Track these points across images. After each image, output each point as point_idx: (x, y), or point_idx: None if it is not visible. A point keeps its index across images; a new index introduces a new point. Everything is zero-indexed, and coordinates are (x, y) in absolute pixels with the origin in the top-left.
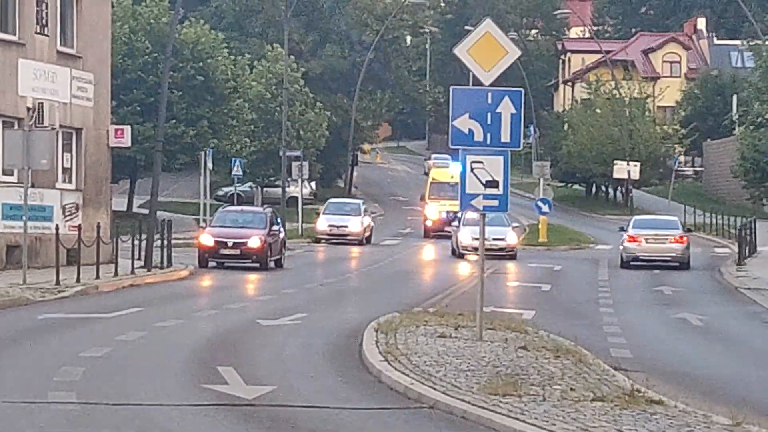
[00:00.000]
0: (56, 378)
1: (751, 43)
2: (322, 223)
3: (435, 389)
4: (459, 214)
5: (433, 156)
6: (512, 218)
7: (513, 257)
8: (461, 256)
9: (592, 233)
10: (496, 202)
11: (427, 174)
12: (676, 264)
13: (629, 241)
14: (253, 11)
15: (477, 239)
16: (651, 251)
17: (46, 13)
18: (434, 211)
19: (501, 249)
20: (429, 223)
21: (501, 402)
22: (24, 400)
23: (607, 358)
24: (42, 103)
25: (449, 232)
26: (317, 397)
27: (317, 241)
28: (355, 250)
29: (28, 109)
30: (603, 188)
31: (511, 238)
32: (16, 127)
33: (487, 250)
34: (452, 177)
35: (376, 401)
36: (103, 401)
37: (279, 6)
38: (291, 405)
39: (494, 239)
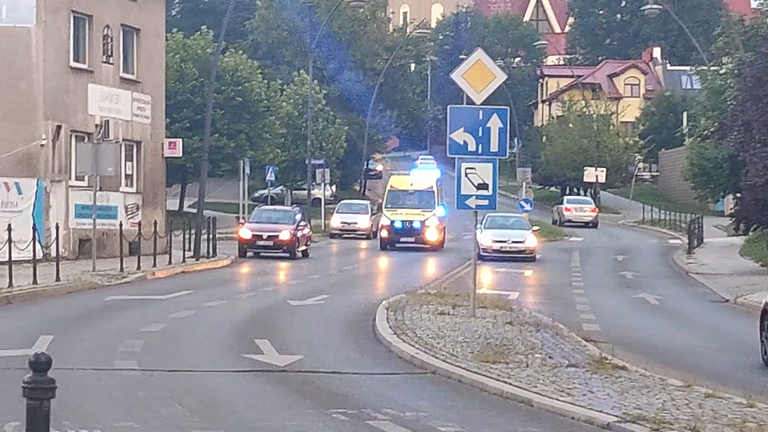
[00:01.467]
0: (120, 349)
1: (698, 69)
2: (336, 221)
3: (436, 358)
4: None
5: (420, 157)
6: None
7: (532, 259)
8: (482, 258)
9: (566, 228)
10: (486, 202)
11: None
12: (591, 224)
13: (565, 210)
14: (284, 43)
15: (497, 241)
16: (577, 216)
17: (111, 46)
18: (390, 220)
19: (520, 251)
20: (384, 234)
21: (491, 368)
22: (94, 367)
23: (580, 331)
24: (108, 121)
25: (406, 243)
26: (338, 364)
27: (332, 236)
28: (365, 243)
29: (97, 125)
30: (575, 190)
31: (531, 240)
32: (86, 140)
33: (506, 252)
34: (411, 185)
35: (387, 368)
36: (160, 368)
37: (305, 39)
38: (316, 371)
39: (513, 242)
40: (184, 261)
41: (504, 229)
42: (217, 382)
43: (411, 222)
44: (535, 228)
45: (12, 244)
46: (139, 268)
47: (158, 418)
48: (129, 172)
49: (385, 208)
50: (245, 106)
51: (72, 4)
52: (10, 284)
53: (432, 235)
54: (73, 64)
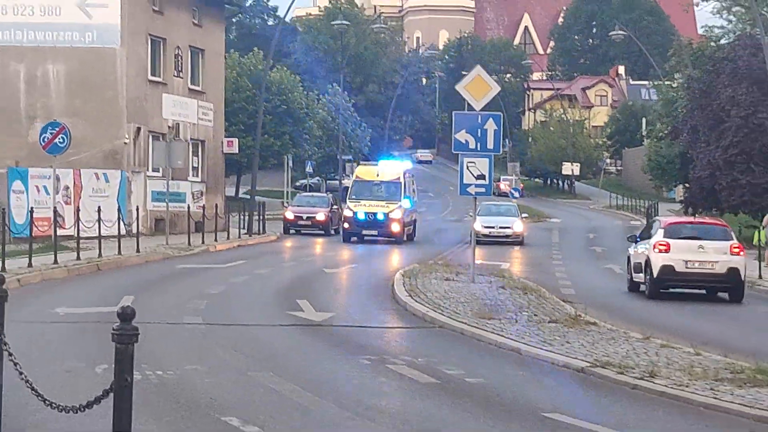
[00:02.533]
0: (188, 306)
1: (655, 83)
2: None
3: (443, 315)
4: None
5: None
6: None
7: (520, 243)
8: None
9: (547, 211)
10: (483, 189)
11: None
12: (517, 196)
13: (498, 186)
14: (320, 62)
15: (486, 227)
16: (504, 191)
17: (182, 63)
18: (353, 212)
19: (507, 236)
20: (346, 225)
21: (487, 323)
22: (167, 321)
23: (558, 294)
24: (178, 123)
25: (370, 236)
26: (364, 320)
27: None
28: None
29: (169, 127)
30: (555, 181)
31: (518, 226)
32: (161, 139)
33: (495, 237)
34: (378, 175)
35: (403, 323)
36: (220, 322)
37: (337, 58)
38: (346, 325)
39: (501, 227)
40: (239, 237)
41: (495, 216)
42: (266, 334)
43: (374, 214)
44: (524, 215)
45: (101, 222)
46: (203, 242)
47: (219, 362)
48: (195, 165)
49: (349, 199)
50: (289, 112)
51: (149, 28)
52: (100, 254)
53: (395, 228)
54: (150, 77)
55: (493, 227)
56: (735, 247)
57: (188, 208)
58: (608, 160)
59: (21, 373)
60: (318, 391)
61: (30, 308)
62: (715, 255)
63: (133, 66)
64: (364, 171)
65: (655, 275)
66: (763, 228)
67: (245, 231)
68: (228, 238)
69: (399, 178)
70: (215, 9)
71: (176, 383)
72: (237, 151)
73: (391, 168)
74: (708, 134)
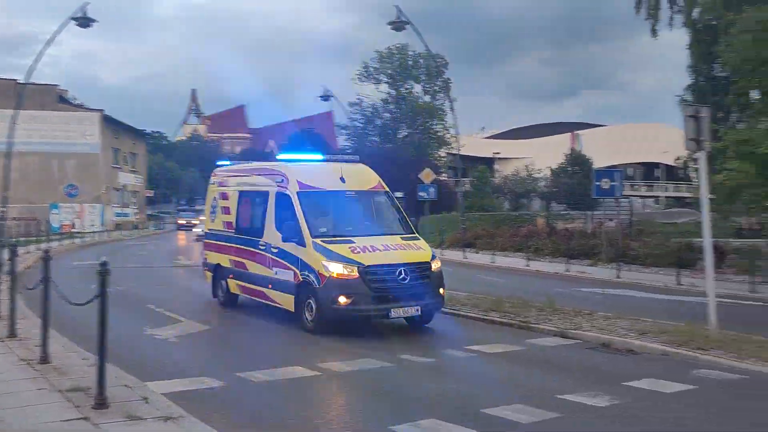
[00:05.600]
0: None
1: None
2: None
3: None
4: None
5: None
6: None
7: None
8: None
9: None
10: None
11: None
12: None
13: None
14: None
15: None
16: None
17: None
18: (363, 265)
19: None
20: (343, 300)
21: None
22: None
23: None
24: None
25: (401, 314)
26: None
27: None
28: None
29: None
30: None
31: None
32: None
33: None
34: (344, 181)
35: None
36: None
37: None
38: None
39: None
40: None
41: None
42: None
43: (404, 267)
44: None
45: None
46: None
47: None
48: None
49: (322, 239)
50: None
51: None
52: None
53: (441, 290)
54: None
55: None
56: None
57: None
58: None
59: None
60: None
61: None
62: None
63: None
64: (305, 172)
65: None
66: None
67: None
68: None
69: (381, 185)
70: None
71: None
72: None
73: (357, 168)
74: None
